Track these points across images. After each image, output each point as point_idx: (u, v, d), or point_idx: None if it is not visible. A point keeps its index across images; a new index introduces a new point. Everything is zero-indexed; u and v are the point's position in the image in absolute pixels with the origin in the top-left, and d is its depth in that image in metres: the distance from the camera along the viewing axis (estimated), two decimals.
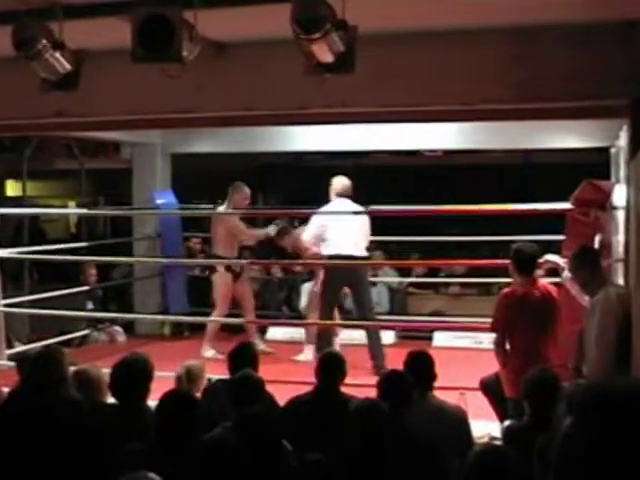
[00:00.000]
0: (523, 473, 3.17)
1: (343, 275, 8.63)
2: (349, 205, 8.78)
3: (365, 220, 8.87)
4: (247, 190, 9.42)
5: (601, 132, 9.00)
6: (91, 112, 6.94)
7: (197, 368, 5.85)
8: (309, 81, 5.32)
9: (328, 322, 8.51)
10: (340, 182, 8.88)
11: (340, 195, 8.80)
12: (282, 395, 5.37)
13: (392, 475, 3.88)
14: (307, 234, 8.85)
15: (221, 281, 9.44)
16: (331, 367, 5.18)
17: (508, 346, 6.21)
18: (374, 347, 8.40)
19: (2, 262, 8.73)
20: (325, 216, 8.71)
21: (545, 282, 6.47)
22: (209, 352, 9.02)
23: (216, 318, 9.35)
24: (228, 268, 9.38)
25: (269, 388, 5.22)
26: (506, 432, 4.79)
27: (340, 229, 8.59)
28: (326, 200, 8.79)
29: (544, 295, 6.25)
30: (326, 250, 8.66)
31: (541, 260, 6.76)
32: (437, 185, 14.13)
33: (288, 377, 6.40)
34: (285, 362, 8.72)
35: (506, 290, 6.39)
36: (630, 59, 5.73)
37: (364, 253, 8.79)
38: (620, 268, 6.45)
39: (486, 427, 6.08)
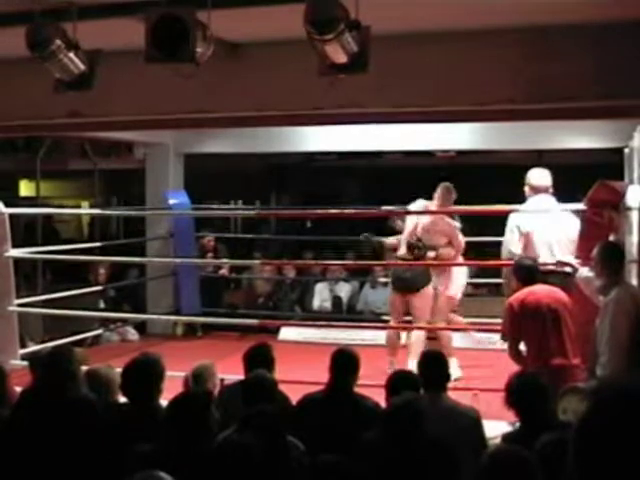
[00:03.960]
0: (536, 473, 3.16)
1: None
2: (553, 203, 7.42)
3: (570, 220, 7.21)
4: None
5: (614, 133, 8.97)
6: (104, 112, 6.97)
7: (207, 369, 5.83)
8: (322, 82, 5.32)
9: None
10: (536, 175, 7.48)
11: (538, 191, 7.37)
12: (298, 396, 5.33)
13: (406, 476, 3.87)
14: (513, 246, 7.15)
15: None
16: (344, 365, 5.12)
17: (524, 350, 6.20)
18: None
19: (15, 262, 8.74)
20: (524, 220, 7.21)
21: (549, 287, 6.38)
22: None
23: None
24: None
25: (284, 389, 5.22)
26: (502, 440, 4.68)
27: (546, 235, 7.14)
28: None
29: (550, 298, 6.21)
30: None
31: (554, 260, 6.75)
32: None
33: (303, 378, 6.36)
34: (301, 362, 8.60)
35: (512, 298, 6.33)
36: None
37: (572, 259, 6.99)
38: (634, 269, 6.43)
39: (499, 428, 6.07)
